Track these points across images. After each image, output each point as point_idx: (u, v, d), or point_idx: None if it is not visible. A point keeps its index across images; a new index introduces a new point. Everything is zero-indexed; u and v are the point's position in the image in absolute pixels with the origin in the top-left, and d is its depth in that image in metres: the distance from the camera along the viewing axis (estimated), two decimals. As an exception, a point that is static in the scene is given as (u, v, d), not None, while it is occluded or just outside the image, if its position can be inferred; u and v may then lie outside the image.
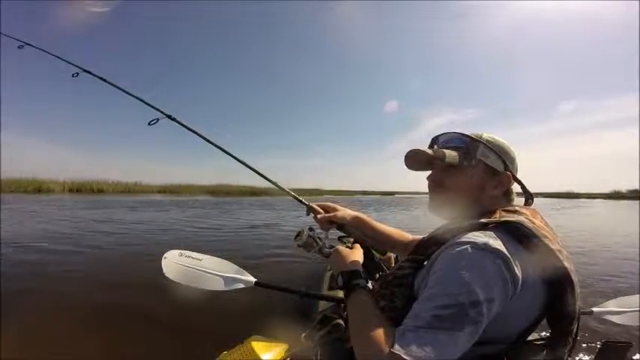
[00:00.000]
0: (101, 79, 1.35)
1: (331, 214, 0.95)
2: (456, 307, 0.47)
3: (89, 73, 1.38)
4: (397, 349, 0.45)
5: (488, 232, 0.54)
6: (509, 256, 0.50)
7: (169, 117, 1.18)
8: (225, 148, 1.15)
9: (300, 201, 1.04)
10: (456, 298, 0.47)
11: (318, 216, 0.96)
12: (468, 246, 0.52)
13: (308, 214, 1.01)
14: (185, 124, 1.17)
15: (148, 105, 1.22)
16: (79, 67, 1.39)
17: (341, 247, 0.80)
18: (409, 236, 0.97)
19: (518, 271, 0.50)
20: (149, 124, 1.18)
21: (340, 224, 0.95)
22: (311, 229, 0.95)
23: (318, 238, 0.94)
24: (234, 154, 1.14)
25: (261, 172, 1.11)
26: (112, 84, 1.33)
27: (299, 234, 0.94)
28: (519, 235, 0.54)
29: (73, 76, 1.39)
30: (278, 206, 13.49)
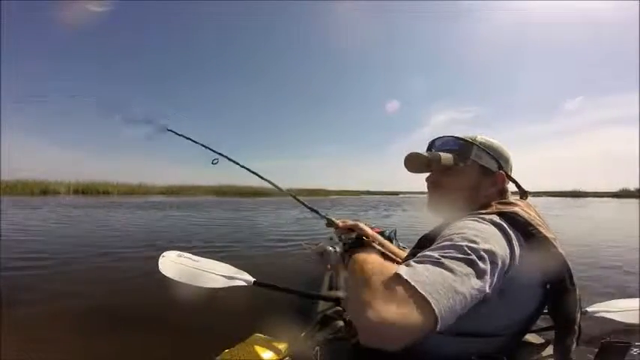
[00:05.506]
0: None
1: (352, 223, 0.97)
2: (463, 256, 0.46)
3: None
4: (404, 271, 0.43)
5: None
6: (511, 233, 0.54)
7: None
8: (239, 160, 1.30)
9: (317, 212, 1.14)
10: (463, 249, 0.47)
11: (340, 225, 0.99)
12: (475, 217, 0.57)
13: (329, 226, 1.04)
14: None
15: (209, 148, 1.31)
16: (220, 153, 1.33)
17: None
18: None
19: (517, 249, 0.53)
20: (212, 163, 1.30)
21: (360, 234, 0.97)
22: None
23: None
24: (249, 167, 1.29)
25: (274, 182, 1.25)
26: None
27: (318, 246, 0.95)
28: (515, 224, 0.56)
29: (212, 162, 1.34)
30: (279, 206, 13.49)
